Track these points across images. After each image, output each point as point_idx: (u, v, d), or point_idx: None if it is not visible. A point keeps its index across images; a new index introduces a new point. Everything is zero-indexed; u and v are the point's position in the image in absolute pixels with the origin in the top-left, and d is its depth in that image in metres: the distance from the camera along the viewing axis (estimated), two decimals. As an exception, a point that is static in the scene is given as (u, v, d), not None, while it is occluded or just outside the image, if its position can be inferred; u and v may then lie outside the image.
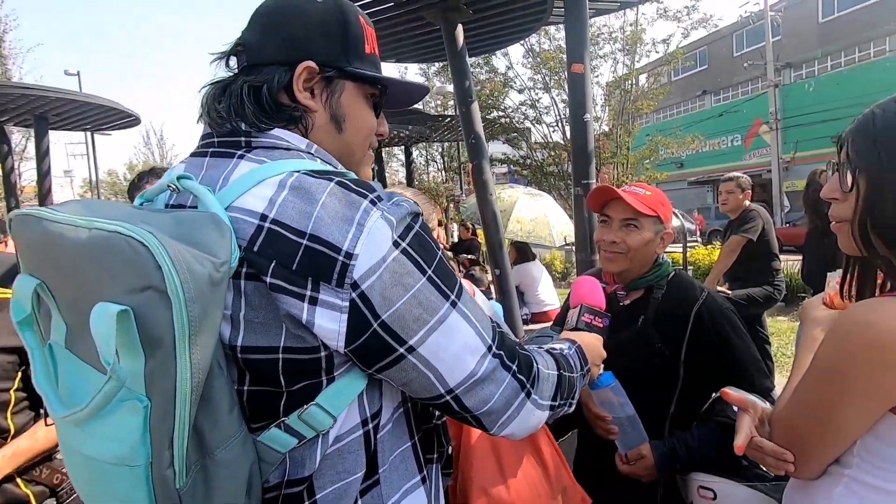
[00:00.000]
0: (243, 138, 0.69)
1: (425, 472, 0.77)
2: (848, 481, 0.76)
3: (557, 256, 9.74)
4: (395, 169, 22.91)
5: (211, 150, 0.70)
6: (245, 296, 0.60)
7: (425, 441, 0.78)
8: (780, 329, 5.45)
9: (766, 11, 19.32)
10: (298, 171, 0.64)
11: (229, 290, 0.60)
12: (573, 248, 4.58)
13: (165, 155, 33.74)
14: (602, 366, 1.10)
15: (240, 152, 0.68)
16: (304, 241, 0.60)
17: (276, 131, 0.70)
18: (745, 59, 22.08)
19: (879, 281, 0.81)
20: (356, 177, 0.69)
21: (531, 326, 4.40)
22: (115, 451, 0.53)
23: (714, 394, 1.34)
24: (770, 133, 20.45)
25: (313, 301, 0.60)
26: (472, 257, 6.78)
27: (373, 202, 0.62)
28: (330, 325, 0.60)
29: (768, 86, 19.81)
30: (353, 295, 0.60)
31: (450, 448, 0.85)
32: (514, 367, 0.71)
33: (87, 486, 0.60)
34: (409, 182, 11.46)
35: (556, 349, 0.86)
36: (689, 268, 5.37)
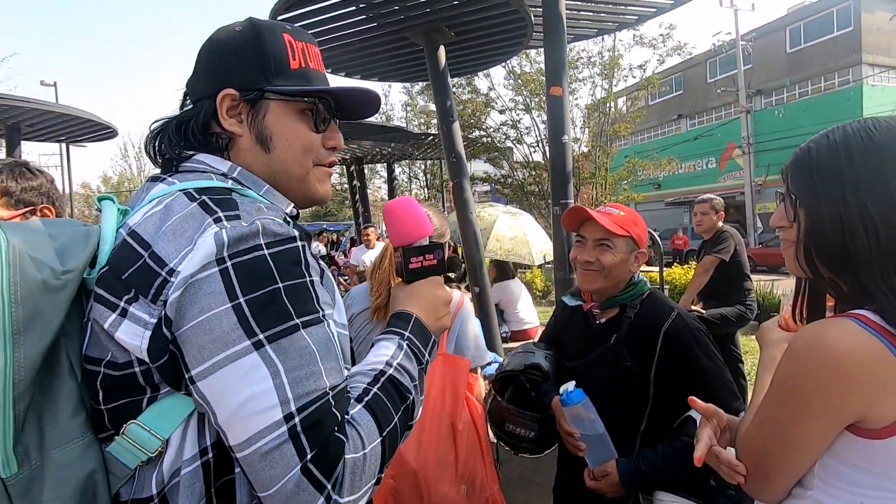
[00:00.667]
0: (173, 166, 0.74)
1: None
2: (810, 503, 0.76)
3: (538, 275, 9.82)
4: (378, 186, 22.95)
5: (149, 177, 0.75)
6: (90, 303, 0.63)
7: None
8: (753, 348, 5.54)
9: (738, 41, 20.16)
10: (184, 190, 0.66)
11: (90, 298, 0.62)
12: (553, 266, 4.62)
13: (143, 168, 33.25)
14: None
15: (163, 177, 0.73)
16: (146, 255, 0.61)
17: (199, 156, 0.74)
18: (719, 85, 22.91)
19: (831, 304, 0.83)
20: (259, 198, 0.71)
21: (511, 344, 4.40)
22: None
23: (682, 413, 1.35)
24: (743, 157, 21.13)
25: (123, 313, 0.60)
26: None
27: (217, 220, 0.61)
28: (131, 339, 0.59)
29: (741, 111, 20.55)
30: (163, 312, 0.59)
31: None
32: (310, 456, 0.56)
33: None
34: (392, 197, 11.47)
35: (381, 373, 0.70)
36: (665, 287, 5.47)
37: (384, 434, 0.65)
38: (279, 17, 4.12)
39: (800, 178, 0.78)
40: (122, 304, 0.60)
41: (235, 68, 0.74)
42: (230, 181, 0.72)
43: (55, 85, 18.44)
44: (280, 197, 0.77)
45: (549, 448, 1.57)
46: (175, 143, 0.74)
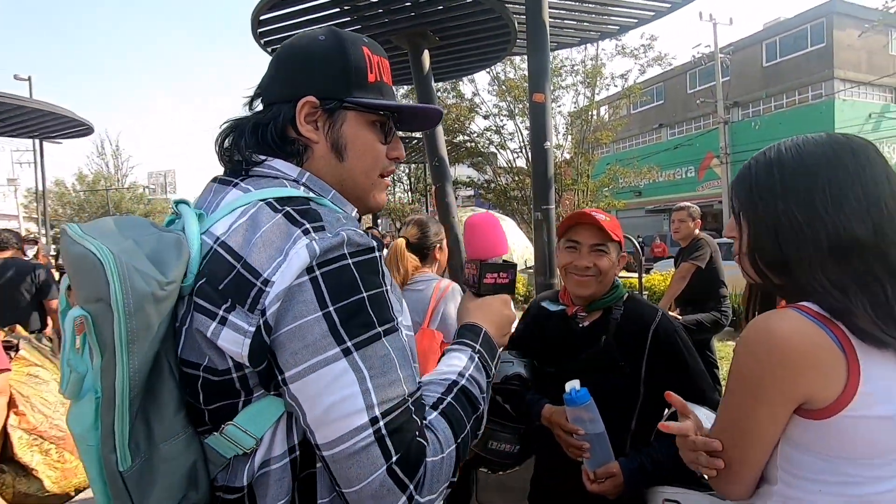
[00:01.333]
0: (243, 169, 0.76)
1: None
2: (777, 498, 0.79)
3: (520, 279, 9.87)
4: (361, 188, 22.72)
5: (218, 179, 0.77)
6: (189, 312, 0.66)
7: None
8: (727, 353, 5.66)
9: (717, 53, 20.66)
10: (265, 199, 0.69)
11: (182, 303, 0.66)
12: (533, 271, 4.65)
13: (120, 166, 32.50)
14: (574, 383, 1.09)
15: (235, 181, 0.75)
16: (238, 266, 0.64)
17: (271, 161, 0.76)
18: (698, 96, 23.43)
19: (782, 306, 0.87)
20: (332, 206, 0.74)
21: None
22: (79, 430, 0.63)
23: (668, 410, 1.37)
24: (721, 166, 21.62)
25: (223, 321, 0.63)
26: None
27: (306, 231, 0.64)
28: (233, 346, 0.63)
29: (719, 122, 21.03)
30: (261, 321, 0.62)
31: None
32: (395, 458, 0.60)
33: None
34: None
35: (454, 383, 0.73)
36: (644, 293, 5.55)
37: (459, 440, 0.68)
38: (262, 17, 4.08)
39: (741, 192, 0.87)
40: (220, 312, 0.63)
41: (318, 77, 0.76)
42: (301, 187, 0.75)
43: (29, 80, 17.89)
44: (346, 202, 0.80)
45: (525, 460, 1.56)
46: (249, 145, 0.76)
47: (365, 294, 0.64)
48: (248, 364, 0.63)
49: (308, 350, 0.61)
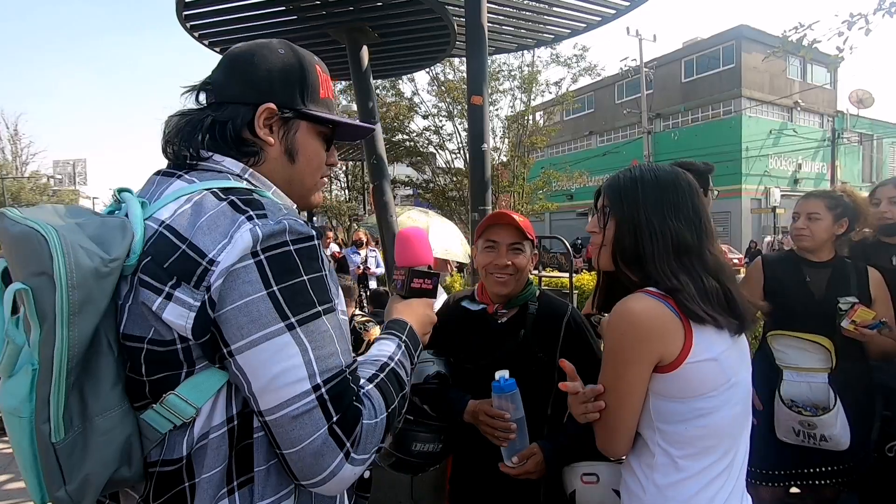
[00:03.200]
0: (187, 163, 0.81)
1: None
2: (658, 446, 1.00)
3: (458, 279, 9.97)
4: (296, 185, 21.97)
5: (162, 172, 0.82)
6: (133, 289, 0.69)
7: None
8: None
9: (642, 67, 22.03)
10: (210, 189, 0.74)
11: (125, 282, 0.69)
12: (469, 271, 4.72)
13: (19, 152, 29.30)
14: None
15: (179, 173, 0.79)
16: (184, 246, 0.69)
17: (216, 157, 0.81)
18: (625, 106, 24.88)
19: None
20: (271, 198, 0.79)
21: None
22: (10, 404, 0.65)
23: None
24: (644, 173, 23.02)
25: (168, 297, 0.68)
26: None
27: (249, 217, 0.70)
28: (178, 319, 0.67)
29: (643, 132, 22.45)
30: (206, 297, 0.67)
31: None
32: (335, 419, 0.68)
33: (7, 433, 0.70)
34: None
35: (385, 364, 0.82)
36: (574, 292, 5.82)
37: (389, 410, 0.77)
38: (193, 9, 3.84)
39: (611, 198, 1.08)
40: (166, 289, 0.67)
41: (278, 87, 0.83)
42: (244, 182, 0.80)
43: None
44: (285, 198, 0.86)
45: (445, 459, 1.57)
46: (203, 140, 0.81)
47: (305, 277, 0.70)
48: (190, 337, 0.68)
49: (254, 325, 0.67)
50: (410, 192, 16.67)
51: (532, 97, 13.36)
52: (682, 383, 0.96)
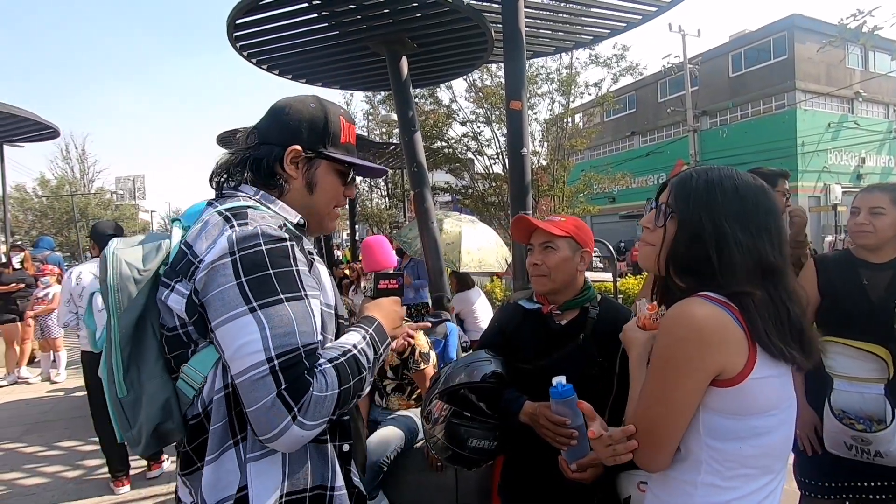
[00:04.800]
0: (221, 193, 1.05)
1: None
2: (704, 463, 0.91)
3: (498, 284, 9.95)
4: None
5: (208, 202, 1.04)
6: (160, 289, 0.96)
7: None
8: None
9: (686, 64, 21.32)
10: (219, 210, 0.95)
11: (164, 286, 0.94)
12: (512, 276, 4.70)
13: (87, 171, 31.48)
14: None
15: (214, 202, 1.02)
16: (188, 253, 0.92)
17: (243, 187, 1.05)
18: (669, 105, 24.10)
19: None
20: (271, 211, 1.01)
21: (471, 352, 4.43)
22: (101, 370, 0.96)
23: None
24: (690, 173, 22.19)
25: (172, 289, 0.92)
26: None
27: (232, 227, 0.91)
28: (175, 305, 0.91)
29: (688, 130, 21.67)
30: (192, 286, 0.90)
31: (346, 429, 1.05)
32: (284, 387, 0.83)
33: None
34: (352, 207, 11.34)
35: (348, 350, 0.95)
36: (619, 297, 5.66)
37: (342, 388, 0.89)
38: (238, 21, 4.05)
39: (681, 196, 0.97)
40: (172, 283, 0.92)
41: (305, 133, 1.05)
42: (252, 201, 1.01)
43: (-11, 80, 17.18)
44: (290, 210, 1.05)
45: (498, 456, 1.58)
46: (241, 172, 1.05)
47: (271, 271, 0.88)
48: (185, 317, 0.91)
49: (225, 307, 0.86)
50: (449, 198, 16.75)
51: (571, 99, 13.18)
52: (742, 400, 0.88)
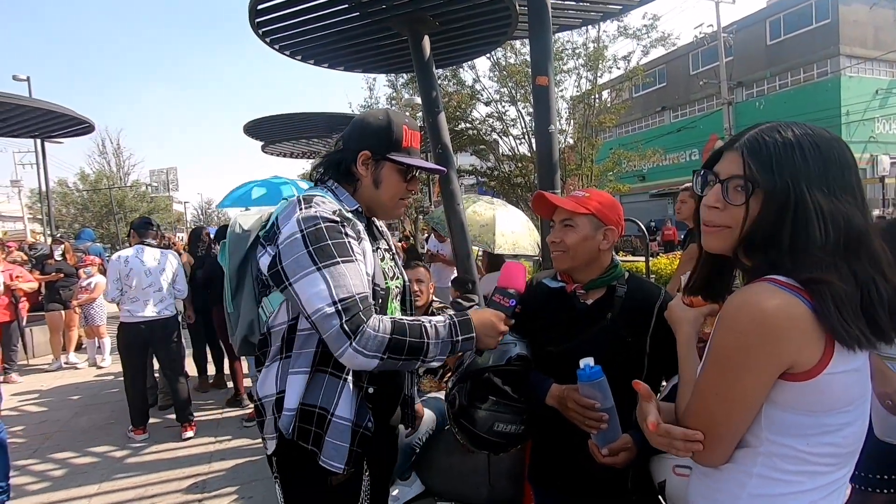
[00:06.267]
0: (317, 181, 1.43)
1: (317, 370, 1.28)
2: (763, 458, 0.84)
3: (527, 265, 9.86)
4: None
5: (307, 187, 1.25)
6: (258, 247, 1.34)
7: (324, 355, 1.25)
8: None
9: (720, 33, 20.34)
10: (300, 196, 1.28)
11: (262, 247, 1.29)
12: (541, 257, 4.62)
13: (122, 164, 32.49)
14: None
15: (311, 186, 1.43)
16: (276, 225, 1.26)
17: (327, 180, 1.40)
18: (701, 77, 23.14)
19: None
20: (335, 199, 1.33)
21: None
22: (226, 295, 1.43)
23: (664, 382, 1.43)
24: (725, 148, 21.35)
25: (264, 249, 1.28)
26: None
27: (300, 209, 1.23)
28: (264, 260, 1.27)
29: (722, 103, 20.79)
30: (276, 252, 1.23)
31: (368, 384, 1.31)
32: (344, 320, 1.13)
33: None
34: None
35: (418, 319, 1.22)
36: (651, 276, 5.50)
37: (392, 335, 1.16)
38: (259, 7, 4.03)
39: (760, 165, 0.82)
40: (267, 247, 1.26)
41: (373, 140, 1.36)
42: (327, 190, 1.37)
43: (28, 80, 17.84)
44: (351, 199, 1.37)
45: (526, 440, 1.54)
46: (329, 171, 1.40)
47: (329, 241, 1.20)
48: (266, 271, 1.25)
49: (301, 268, 1.18)
50: (474, 181, 16.60)
51: (599, 74, 12.76)
52: (814, 396, 0.79)
